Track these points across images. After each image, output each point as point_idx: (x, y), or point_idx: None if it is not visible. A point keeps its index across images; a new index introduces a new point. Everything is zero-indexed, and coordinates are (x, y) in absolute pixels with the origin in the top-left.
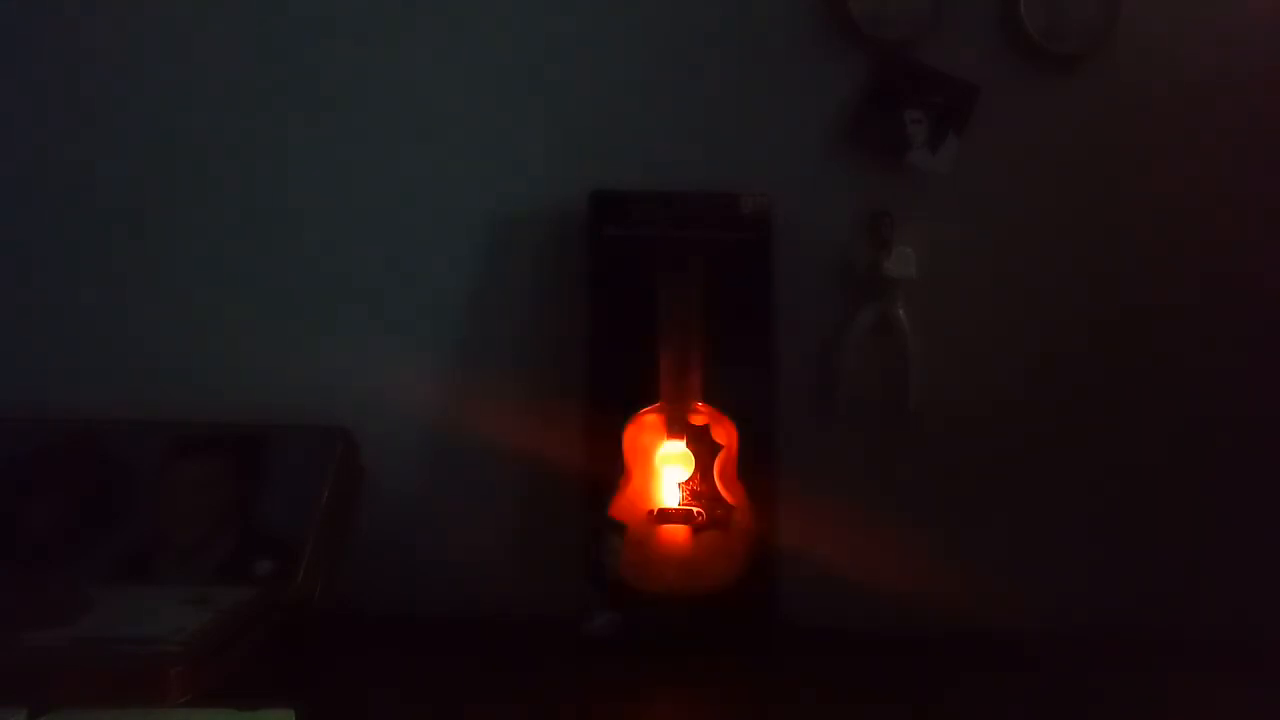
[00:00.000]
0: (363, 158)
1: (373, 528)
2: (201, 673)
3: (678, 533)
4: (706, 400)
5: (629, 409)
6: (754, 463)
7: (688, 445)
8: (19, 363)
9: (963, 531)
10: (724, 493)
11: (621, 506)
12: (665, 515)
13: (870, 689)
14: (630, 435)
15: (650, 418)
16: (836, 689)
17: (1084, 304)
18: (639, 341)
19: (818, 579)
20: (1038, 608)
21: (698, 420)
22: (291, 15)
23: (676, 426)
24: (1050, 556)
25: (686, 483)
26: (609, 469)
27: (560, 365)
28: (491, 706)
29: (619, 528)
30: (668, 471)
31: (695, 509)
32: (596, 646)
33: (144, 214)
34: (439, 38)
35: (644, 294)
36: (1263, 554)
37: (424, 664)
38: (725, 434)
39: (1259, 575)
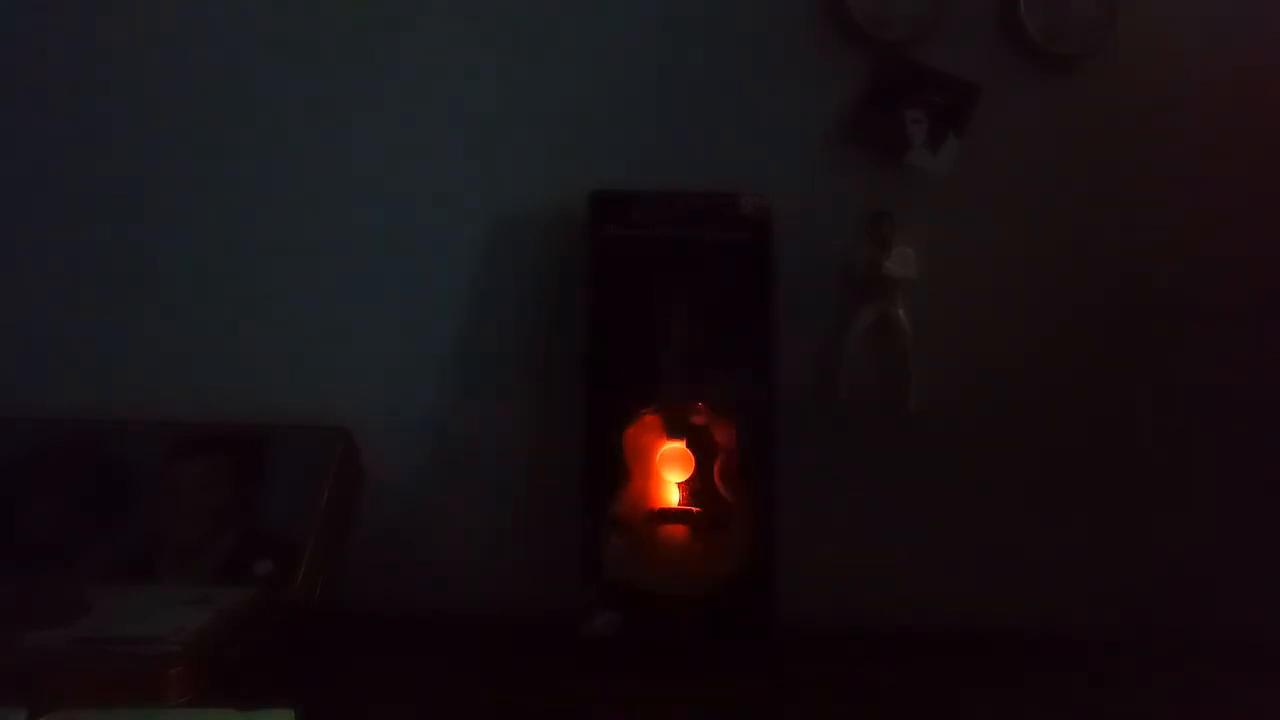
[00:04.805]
0: (362, 157)
1: (373, 528)
2: (201, 673)
3: (678, 533)
4: (706, 400)
5: (629, 409)
6: (754, 463)
7: (688, 445)
8: (19, 363)
9: (963, 531)
10: (724, 493)
11: (621, 506)
12: (665, 515)
13: (871, 689)
14: (630, 435)
15: (650, 418)
16: (836, 689)
17: (1085, 304)
18: (639, 342)
19: (818, 579)
20: (1039, 608)
21: (698, 420)
22: (291, 14)
23: (676, 427)
24: (1051, 556)
25: (686, 483)
26: (609, 469)
27: (560, 365)
28: (491, 707)
29: (619, 528)
30: (668, 471)
31: (695, 509)
32: (596, 646)
33: (143, 214)
34: (438, 36)
35: (644, 294)
36: (1264, 553)
37: (423, 664)
38: (725, 434)
39: (1260, 575)
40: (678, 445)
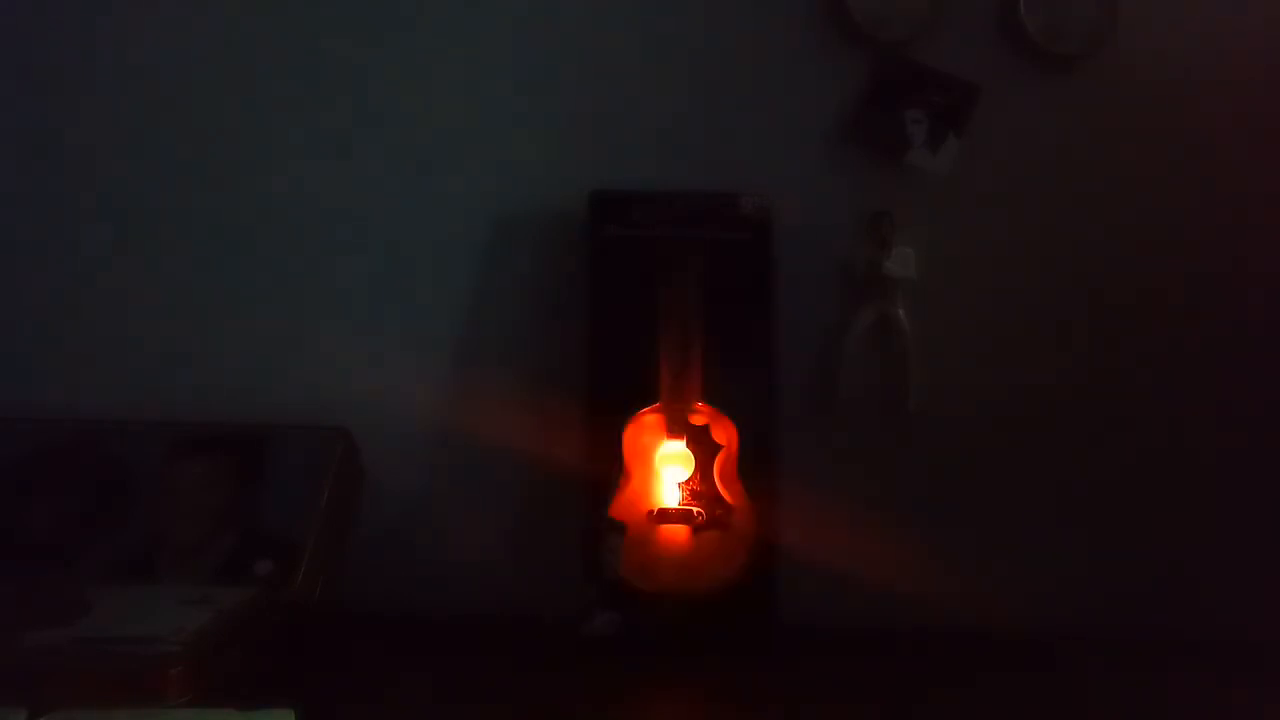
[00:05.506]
0: (363, 157)
1: (373, 528)
2: (201, 673)
3: (678, 533)
4: (706, 400)
5: (629, 409)
6: (754, 463)
7: (688, 445)
8: (19, 363)
9: (963, 531)
10: (724, 493)
11: (621, 506)
12: (665, 515)
13: (870, 689)
14: (630, 435)
15: (650, 418)
16: (836, 689)
17: (1084, 304)
18: (639, 341)
19: (818, 579)
20: (1039, 607)
21: (698, 420)
22: (291, 14)
23: (676, 426)
24: (1052, 556)
25: (686, 483)
26: (609, 469)
27: (560, 365)
28: (491, 706)
29: (619, 528)
30: (668, 471)
31: (695, 509)
32: (596, 646)
33: (144, 214)
34: (438, 37)
35: (644, 294)
36: (1262, 553)
37: (423, 664)
38: (725, 434)
39: (1260, 575)
40: (678, 445)
